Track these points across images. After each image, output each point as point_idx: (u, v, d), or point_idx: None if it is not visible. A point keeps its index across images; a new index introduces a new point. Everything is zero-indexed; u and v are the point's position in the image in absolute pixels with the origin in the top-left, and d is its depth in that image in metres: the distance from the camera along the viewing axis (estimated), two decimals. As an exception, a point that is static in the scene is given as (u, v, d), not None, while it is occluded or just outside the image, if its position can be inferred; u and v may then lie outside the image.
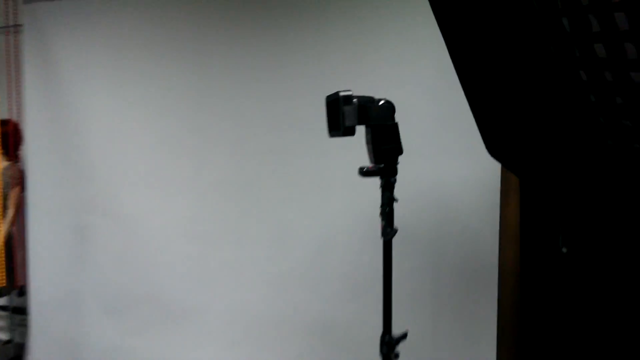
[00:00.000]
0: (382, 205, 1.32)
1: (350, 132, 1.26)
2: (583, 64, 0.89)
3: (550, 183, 1.38)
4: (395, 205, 1.32)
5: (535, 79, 1.02)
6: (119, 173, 2.48)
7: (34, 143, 2.70)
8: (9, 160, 2.86)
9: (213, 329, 2.36)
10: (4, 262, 2.72)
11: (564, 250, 1.54)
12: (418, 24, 1.98)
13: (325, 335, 2.18)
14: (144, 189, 2.43)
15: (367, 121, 1.28)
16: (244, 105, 2.27)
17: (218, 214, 2.32)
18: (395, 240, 1.35)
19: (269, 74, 2.23)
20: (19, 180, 2.85)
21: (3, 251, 2.73)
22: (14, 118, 2.87)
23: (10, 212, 2.83)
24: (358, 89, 1.29)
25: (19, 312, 3.04)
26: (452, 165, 1.97)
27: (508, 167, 1.69)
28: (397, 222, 1.36)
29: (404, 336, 1.36)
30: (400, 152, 1.31)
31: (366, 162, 1.36)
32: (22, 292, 2.88)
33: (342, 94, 1.25)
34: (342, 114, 1.24)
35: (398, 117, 1.33)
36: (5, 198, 2.83)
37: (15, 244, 2.87)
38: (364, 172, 1.31)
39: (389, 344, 1.33)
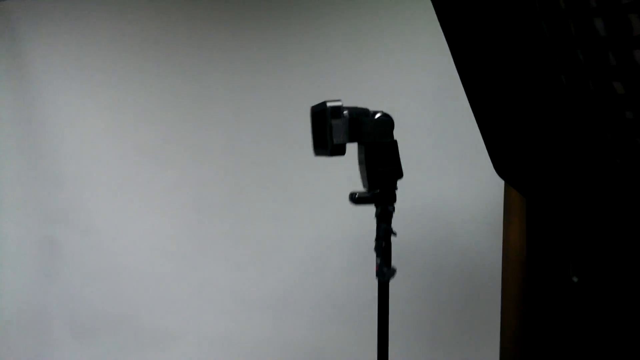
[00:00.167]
0: (377, 239, 1.09)
1: (340, 151, 1.03)
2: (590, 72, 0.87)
3: (561, 205, 1.30)
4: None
5: (547, 93, 0.99)
6: (91, 184, 2.32)
7: (1, 150, 2.48)
8: None
9: (192, 355, 2.22)
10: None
11: (575, 279, 1.46)
12: (418, 30, 1.89)
13: (314, 364, 2.06)
14: (118, 201, 2.28)
15: (360, 138, 1.06)
16: (228, 113, 2.15)
17: (198, 231, 2.19)
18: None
19: (255, 81, 2.11)
20: None
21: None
22: None
23: None
24: (351, 99, 1.08)
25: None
26: (452, 181, 1.89)
27: (517, 188, 1.59)
28: (392, 242, 1.19)
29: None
30: (400, 175, 1.08)
31: (359, 183, 1.14)
32: None
33: (329, 104, 1.02)
34: (329, 128, 1.01)
35: (395, 131, 1.14)
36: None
37: None
38: (356, 199, 1.08)
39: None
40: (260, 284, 2.12)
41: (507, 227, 1.82)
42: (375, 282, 1.22)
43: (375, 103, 1.12)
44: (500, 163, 1.22)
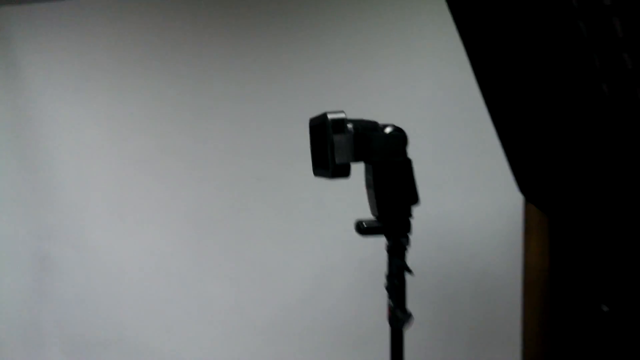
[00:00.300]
0: (389, 277, 0.91)
1: (343, 172, 0.85)
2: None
3: (593, 227, 1.21)
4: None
5: (585, 104, 0.89)
6: (84, 198, 2.29)
7: None
8: None
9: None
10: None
11: (605, 308, 1.37)
12: (429, 34, 1.79)
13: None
14: (114, 215, 2.25)
15: (368, 156, 0.88)
16: (229, 125, 2.08)
17: (196, 247, 2.13)
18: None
19: (257, 91, 2.04)
20: None
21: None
22: None
23: None
24: (356, 110, 0.91)
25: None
26: (467, 199, 1.80)
27: (544, 209, 1.50)
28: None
29: None
30: (415, 200, 0.90)
31: (367, 209, 0.97)
32: None
33: (330, 116, 0.84)
34: (330, 145, 0.84)
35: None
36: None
37: None
38: (364, 230, 0.90)
39: None
40: (260, 305, 2.03)
41: (527, 247, 1.71)
42: (383, 306, 1.05)
43: (383, 114, 0.94)
44: (526, 183, 1.10)
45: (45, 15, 2.35)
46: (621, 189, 0.96)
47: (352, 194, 1.15)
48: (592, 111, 0.88)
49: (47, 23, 2.34)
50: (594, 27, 0.80)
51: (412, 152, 0.98)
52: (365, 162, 0.93)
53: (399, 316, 0.90)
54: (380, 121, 0.91)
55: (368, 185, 0.95)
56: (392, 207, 0.90)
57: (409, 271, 0.91)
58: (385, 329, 1.06)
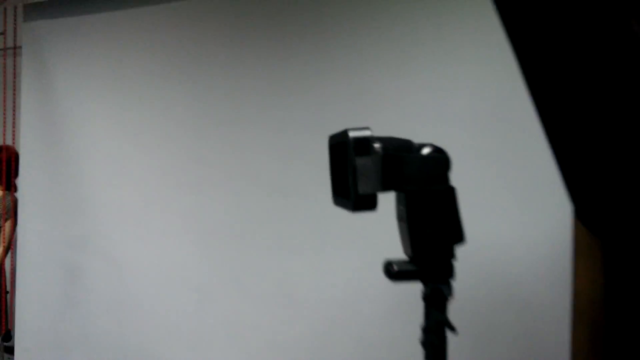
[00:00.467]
0: (426, 332, 0.72)
1: (368, 204, 0.67)
2: None
3: None
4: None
5: None
6: (113, 209, 2.33)
7: (27, 173, 2.57)
8: (3, 189, 2.72)
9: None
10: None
11: None
12: (470, 39, 1.62)
13: None
14: (140, 228, 2.27)
15: (400, 184, 0.70)
16: (253, 136, 2.04)
17: (219, 263, 2.10)
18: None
19: (279, 103, 1.98)
20: (12, 212, 2.68)
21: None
22: (9, 145, 2.77)
23: (0, 249, 2.66)
24: (384, 126, 0.73)
25: (11, 352, 2.86)
26: (510, 222, 1.64)
27: (607, 239, 1.29)
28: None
29: None
30: (460, 239, 0.71)
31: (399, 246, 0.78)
32: (8, 336, 2.72)
33: (353, 134, 0.66)
34: (352, 170, 0.66)
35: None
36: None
37: (4, 284, 2.73)
38: (394, 274, 0.71)
39: None
40: (284, 325, 1.95)
41: (577, 276, 1.54)
42: (416, 334, 0.87)
43: (418, 131, 0.75)
44: (588, 211, 0.92)
45: (79, 29, 2.40)
46: None
47: (387, 210, 0.98)
48: None
49: (82, 38, 2.39)
50: None
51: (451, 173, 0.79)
52: (397, 191, 0.74)
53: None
54: (415, 139, 0.72)
55: (400, 218, 0.75)
56: (431, 247, 0.71)
57: (452, 328, 0.72)
58: (419, 357, 0.89)
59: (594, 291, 1.53)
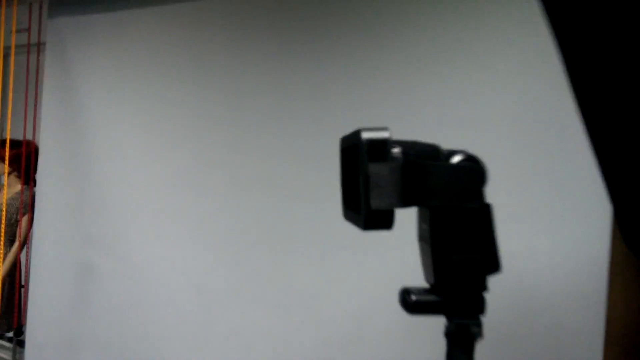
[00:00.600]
0: None
1: (382, 222, 0.54)
2: None
3: None
4: None
5: None
6: (129, 210, 2.34)
7: (45, 168, 2.60)
8: (22, 184, 2.76)
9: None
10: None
11: None
12: (503, 38, 1.52)
13: None
14: (154, 230, 2.27)
15: (424, 198, 0.57)
16: (271, 144, 2.02)
17: (231, 269, 2.07)
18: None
19: (302, 106, 1.94)
20: (30, 207, 2.69)
21: (-1, 288, 2.61)
22: (30, 139, 2.81)
23: (16, 244, 2.68)
24: (407, 129, 0.60)
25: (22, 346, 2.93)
26: (541, 238, 1.54)
27: None
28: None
29: None
30: (495, 268, 0.58)
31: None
32: (20, 331, 2.77)
33: (366, 135, 0.54)
34: (365, 179, 0.54)
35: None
36: (13, 225, 2.72)
37: (19, 279, 2.76)
38: (412, 305, 0.58)
39: None
40: (297, 335, 1.90)
41: (611, 299, 1.37)
42: (434, 348, 0.79)
43: (447, 136, 0.63)
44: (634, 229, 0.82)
45: (104, 25, 2.39)
46: None
47: (406, 216, 0.85)
48: None
49: (107, 35, 2.38)
50: None
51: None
52: (419, 206, 0.61)
53: None
54: (444, 145, 0.59)
55: (422, 238, 0.63)
56: (458, 276, 0.58)
57: (481, 376, 0.59)
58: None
59: (628, 315, 1.36)
